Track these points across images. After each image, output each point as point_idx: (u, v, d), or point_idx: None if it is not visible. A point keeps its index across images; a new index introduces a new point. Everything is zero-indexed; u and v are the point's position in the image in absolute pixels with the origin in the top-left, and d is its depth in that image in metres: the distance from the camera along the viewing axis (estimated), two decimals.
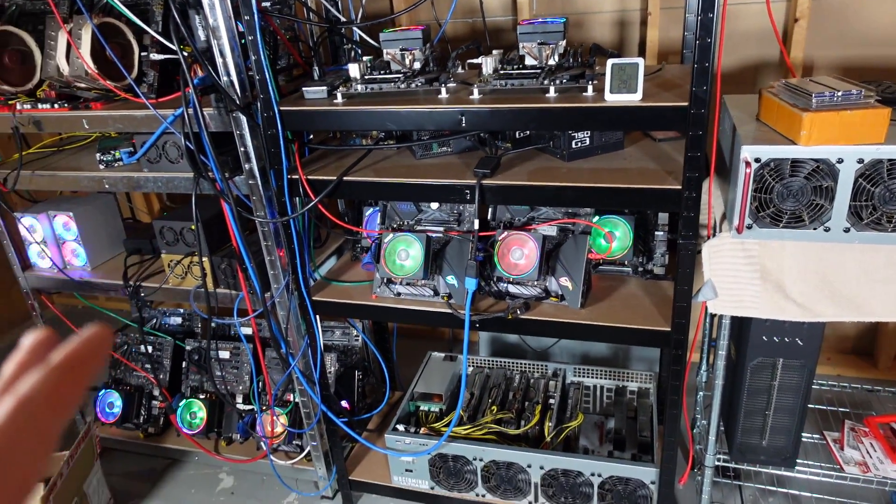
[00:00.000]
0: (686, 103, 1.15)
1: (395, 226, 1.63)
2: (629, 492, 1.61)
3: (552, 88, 1.28)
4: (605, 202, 1.35)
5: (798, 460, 1.53)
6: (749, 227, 1.22)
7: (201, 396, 2.00)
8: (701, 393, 1.86)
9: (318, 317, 1.65)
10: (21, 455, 0.26)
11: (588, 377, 1.98)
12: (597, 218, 1.55)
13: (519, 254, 1.46)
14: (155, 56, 1.55)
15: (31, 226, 1.85)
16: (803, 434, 1.55)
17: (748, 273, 1.27)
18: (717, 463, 1.52)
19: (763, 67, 1.91)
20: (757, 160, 1.16)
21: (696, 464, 1.78)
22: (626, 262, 1.57)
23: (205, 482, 2.02)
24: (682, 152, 1.19)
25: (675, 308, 1.34)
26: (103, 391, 2.07)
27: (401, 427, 1.77)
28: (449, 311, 1.49)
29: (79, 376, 0.29)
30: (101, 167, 1.68)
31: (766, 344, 1.37)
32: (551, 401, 1.86)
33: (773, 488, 1.65)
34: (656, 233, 1.55)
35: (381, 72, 1.44)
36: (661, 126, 1.26)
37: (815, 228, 1.19)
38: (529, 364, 2.03)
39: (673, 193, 1.24)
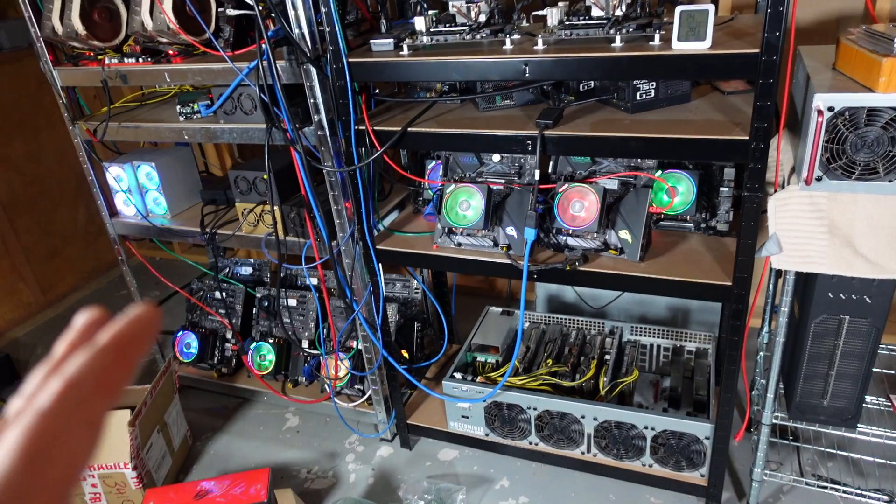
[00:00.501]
0: (757, 50, 1.13)
1: (457, 178, 1.66)
2: (682, 446, 1.62)
3: (618, 38, 1.27)
4: (669, 153, 1.34)
5: (859, 425, 1.51)
6: (818, 179, 1.19)
7: (270, 341, 2.11)
8: (761, 354, 1.84)
9: (380, 266, 1.71)
10: (69, 437, 0.25)
11: (645, 336, 1.98)
12: (659, 172, 1.54)
13: (579, 206, 1.47)
14: (231, 11, 1.61)
15: (118, 175, 1.98)
16: (866, 397, 1.51)
17: (815, 227, 1.25)
18: (774, 422, 1.51)
19: (845, 20, 1.82)
20: (830, 109, 1.13)
21: (753, 424, 1.77)
22: (688, 218, 1.56)
23: (272, 420, 2.15)
24: (752, 105, 1.17)
25: (737, 262, 1.33)
26: (181, 332, 2.22)
27: (458, 375, 1.83)
28: (508, 261, 1.52)
29: (127, 357, 0.27)
30: (181, 119, 1.77)
31: (832, 301, 1.35)
32: (607, 357, 1.88)
33: (833, 451, 1.63)
34: (721, 189, 1.53)
35: (447, 24, 1.46)
36: (730, 75, 1.24)
37: (890, 181, 1.15)
38: (586, 321, 2.04)
39: (740, 144, 1.22)
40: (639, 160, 1.56)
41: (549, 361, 1.86)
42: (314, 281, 2.16)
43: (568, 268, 1.46)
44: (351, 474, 1.90)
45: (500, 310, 2.12)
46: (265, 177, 1.73)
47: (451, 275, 2.21)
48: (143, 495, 1.72)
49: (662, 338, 1.96)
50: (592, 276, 1.47)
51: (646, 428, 1.63)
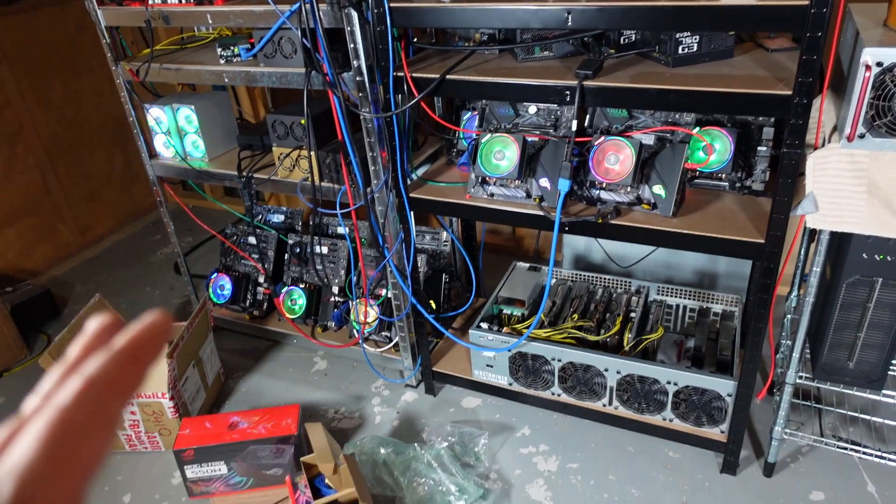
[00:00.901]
0: (806, 2, 1.11)
1: (492, 129, 1.67)
2: (704, 402, 1.65)
3: None
4: (709, 107, 1.33)
5: (884, 389, 1.51)
6: (861, 137, 1.18)
7: (301, 286, 2.17)
8: (788, 317, 1.84)
9: (412, 214, 1.74)
10: (87, 432, 0.26)
11: (672, 296, 1.99)
12: (697, 129, 1.53)
13: (614, 159, 1.47)
14: None
15: (158, 117, 2.02)
16: (894, 361, 1.52)
17: (854, 187, 1.24)
18: (798, 381, 1.52)
19: None
20: (879, 64, 1.11)
21: (776, 385, 1.79)
22: (723, 177, 1.56)
23: (301, 363, 2.22)
24: (796, 62, 1.15)
25: (771, 220, 1.33)
26: (215, 274, 2.29)
27: (484, 325, 1.87)
28: (540, 213, 1.54)
29: (141, 360, 0.29)
30: (222, 62, 1.80)
31: (866, 262, 1.34)
32: (632, 315, 1.90)
33: (855, 414, 1.64)
34: (759, 148, 1.52)
35: None
36: (778, 27, 1.22)
37: None
38: (613, 279, 2.06)
39: (782, 99, 1.21)
40: (676, 116, 1.55)
41: (575, 316, 1.88)
42: (345, 230, 2.20)
43: (599, 221, 1.48)
44: (376, 416, 1.96)
45: (527, 265, 2.14)
46: (303, 122, 1.75)
47: (479, 230, 2.23)
48: (178, 424, 1.80)
49: (689, 299, 1.98)
50: (624, 229, 1.48)
51: (668, 383, 1.66)
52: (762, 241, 1.36)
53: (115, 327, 0.29)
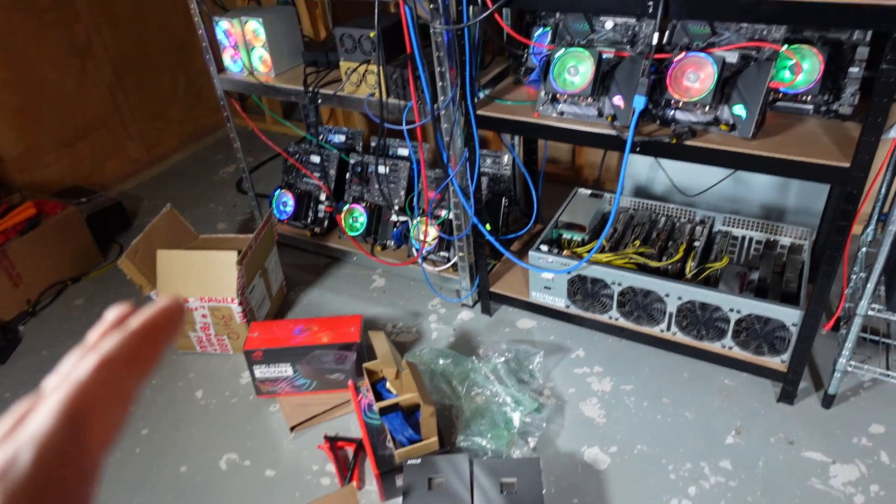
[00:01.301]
0: None
1: (566, 44, 1.62)
2: (766, 332, 1.64)
3: None
4: (805, 20, 1.27)
5: None
6: None
7: (362, 205, 2.20)
8: (863, 250, 1.79)
9: (478, 132, 1.72)
10: (104, 407, 0.26)
11: (738, 227, 1.95)
12: (785, 46, 1.45)
13: (693, 77, 1.42)
14: None
15: (226, 30, 2.03)
16: None
17: None
18: (871, 312, 1.49)
19: None
20: None
21: (843, 319, 1.76)
22: (807, 99, 1.49)
23: (360, 280, 2.28)
24: None
25: (860, 143, 1.27)
26: (278, 191, 2.34)
27: (544, 247, 1.87)
28: (611, 132, 1.51)
29: (156, 341, 0.29)
30: None
31: None
32: (696, 244, 1.87)
33: None
34: (850, 69, 1.44)
35: None
36: None
37: None
38: (676, 208, 2.02)
39: (890, 10, 1.14)
40: (763, 32, 1.48)
41: (637, 243, 1.87)
42: (410, 147, 2.20)
43: (674, 141, 1.44)
44: (433, 332, 2.02)
45: (588, 192, 2.12)
46: (371, 34, 1.74)
47: (541, 156, 2.21)
48: (246, 328, 1.89)
49: (756, 230, 1.93)
50: (698, 151, 1.44)
51: (731, 310, 1.65)
52: (847, 164, 1.31)
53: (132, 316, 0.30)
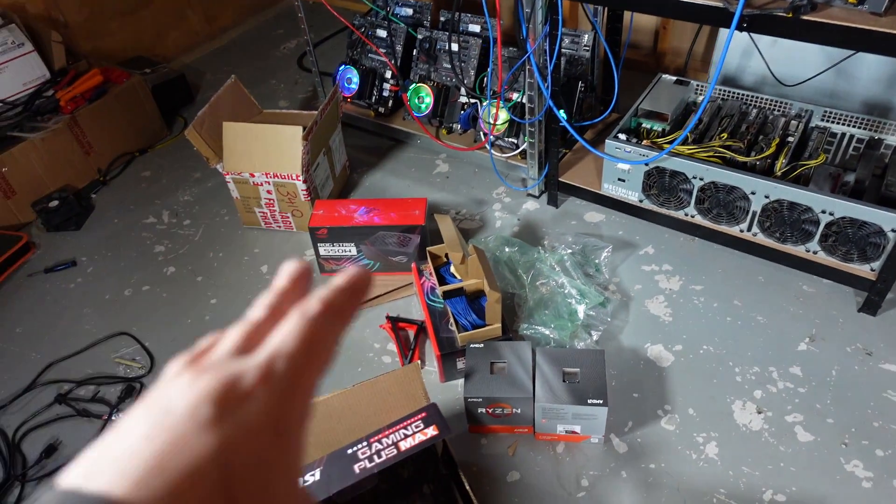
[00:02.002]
0: None
1: None
2: (859, 237, 1.52)
3: None
4: None
5: None
6: None
7: (429, 84, 2.10)
8: None
9: (561, 2, 1.57)
10: (322, 349, 0.26)
11: (838, 123, 1.78)
12: None
13: None
14: None
15: None
16: None
17: None
18: None
19: None
20: None
21: None
22: None
23: (423, 164, 2.22)
24: None
25: None
26: (343, 67, 2.25)
27: (622, 136, 1.76)
28: (718, 3, 1.35)
29: (337, 328, 0.27)
30: None
31: None
32: (789, 139, 1.72)
33: None
34: None
35: None
36: None
37: None
38: (770, 100, 1.85)
39: None
40: None
41: (724, 135, 1.73)
42: (476, 28, 2.06)
43: (790, 15, 1.27)
44: (497, 221, 1.97)
45: (673, 78, 1.96)
46: None
47: (624, 38, 2.03)
48: (310, 206, 1.88)
49: (859, 127, 1.76)
50: (817, 27, 1.27)
51: (823, 212, 1.53)
52: None
53: (308, 277, 0.30)
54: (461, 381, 1.52)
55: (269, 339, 0.26)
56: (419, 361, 1.55)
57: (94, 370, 1.66)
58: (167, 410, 0.22)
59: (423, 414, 1.05)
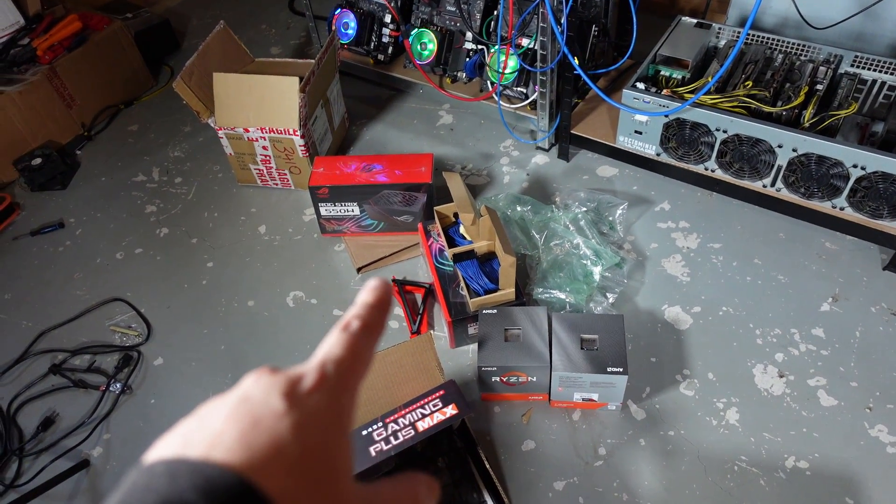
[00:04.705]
0: None
1: None
2: (891, 192, 1.44)
3: None
4: None
5: None
6: None
7: (432, 28, 1.96)
8: None
9: None
10: (359, 362, 0.30)
11: (870, 69, 1.68)
12: None
13: None
14: None
15: None
16: None
17: None
18: None
19: None
20: None
21: None
22: None
23: (426, 116, 2.11)
24: None
25: None
26: (339, 10, 2.10)
27: (641, 85, 1.65)
28: None
29: (372, 339, 0.31)
30: None
31: None
32: (818, 87, 1.62)
33: None
34: None
35: None
36: None
37: None
38: (797, 44, 1.74)
39: None
40: None
41: (749, 84, 1.62)
42: None
43: None
44: (505, 176, 1.88)
45: (693, 21, 1.83)
46: None
47: None
48: (308, 164, 1.79)
49: (892, 73, 1.65)
50: None
51: (854, 167, 1.45)
52: None
53: (388, 297, 0.33)
54: (472, 346, 1.47)
55: (319, 349, 0.30)
56: (431, 332, 1.49)
57: (88, 338, 1.59)
58: (245, 399, 0.27)
59: (442, 392, 0.99)
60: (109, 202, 1.94)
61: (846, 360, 1.40)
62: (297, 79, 1.67)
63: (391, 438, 0.92)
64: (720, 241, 1.65)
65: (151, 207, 1.91)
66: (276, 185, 1.91)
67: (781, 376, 1.38)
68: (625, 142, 1.75)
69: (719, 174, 1.65)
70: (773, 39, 1.76)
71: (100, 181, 2.02)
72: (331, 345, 0.30)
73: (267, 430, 0.25)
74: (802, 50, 1.73)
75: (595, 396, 1.31)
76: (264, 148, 1.79)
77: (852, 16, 1.73)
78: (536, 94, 1.80)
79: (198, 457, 0.24)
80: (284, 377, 0.28)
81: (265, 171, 1.86)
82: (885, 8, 1.74)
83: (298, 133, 1.73)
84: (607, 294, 1.51)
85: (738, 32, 1.80)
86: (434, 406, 0.96)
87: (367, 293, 0.32)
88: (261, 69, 1.92)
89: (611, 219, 1.67)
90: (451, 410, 0.95)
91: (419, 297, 1.58)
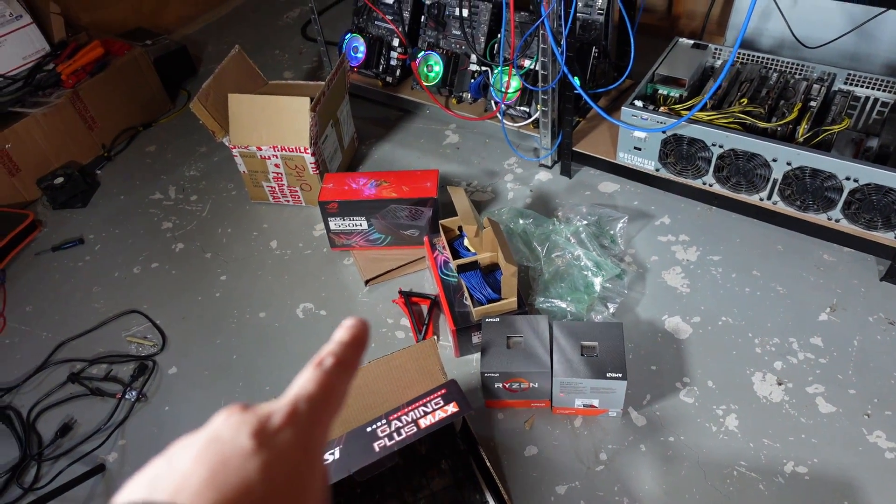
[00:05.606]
0: None
1: None
2: (885, 203, 1.48)
3: None
4: None
5: None
6: None
7: (438, 51, 2.04)
8: None
9: None
10: (333, 398, 0.31)
11: (862, 86, 1.72)
12: None
13: None
14: None
15: None
16: None
17: None
18: None
19: None
20: None
21: None
22: None
23: (432, 135, 2.18)
24: None
25: None
26: (348, 35, 2.19)
27: (639, 103, 1.71)
28: None
29: (345, 377, 0.32)
30: None
31: None
32: (812, 104, 1.67)
33: None
34: None
35: None
36: None
37: None
38: (792, 63, 1.79)
39: None
40: None
41: (744, 101, 1.67)
42: None
43: None
44: (509, 192, 1.93)
45: (690, 42, 1.89)
46: None
47: (639, 1, 1.96)
48: (319, 180, 1.85)
49: (884, 90, 1.70)
50: None
51: (847, 179, 1.49)
52: None
53: (364, 336, 0.34)
54: (476, 355, 1.51)
55: (292, 386, 0.30)
56: (434, 337, 1.54)
57: (105, 349, 1.65)
58: (214, 438, 0.27)
59: (443, 391, 1.03)
60: (127, 219, 2.01)
61: (844, 368, 1.43)
62: (308, 99, 1.75)
63: (394, 435, 0.96)
64: (719, 254, 1.69)
65: (167, 224, 1.98)
66: (288, 201, 1.97)
67: (780, 384, 1.41)
68: (625, 158, 1.80)
69: (717, 188, 1.70)
70: (769, 59, 1.81)
71: (119, 199, 2.09)
72: (303, 381, 0.30)
73: (235, 471, 0.25)
74: (797, 69, 1.79)
75: (596, 402, 1.34)
76: (276, 165, 1.86)
77: (844, 35, 1.79)
78: (539, 113, 1.86)
79: (163, 502, 0.24)
80: (254, 415, 0.28)
81: (277, 188, 1.93)
82: (878, 27, 1.80)
83: (309, 151, 1.80)
84: (608, 304, 1.54)
85: (736, 53, 1.85)
86: (436, 404, 1.00)
87: (343, 331, 0.33)
88: (274, 91, 1.99)
89: (612, 232, 1.71)
90: (452, 408, 0.98)
91: (425, 308, 1.62)
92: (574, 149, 1.88)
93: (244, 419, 0.28)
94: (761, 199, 1.65)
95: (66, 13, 2.33)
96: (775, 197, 1.63)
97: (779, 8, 1.85)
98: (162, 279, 1.82)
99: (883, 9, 1.60)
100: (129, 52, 2.29)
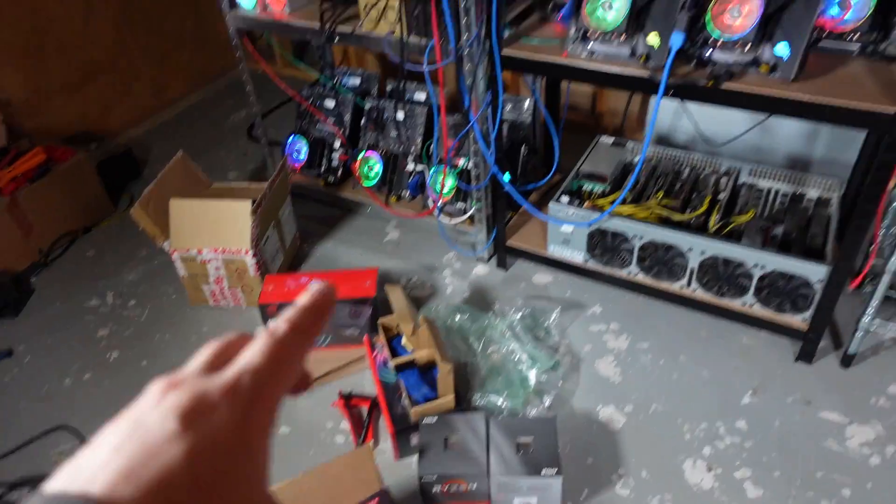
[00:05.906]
0: None
1: None
2: (790, 289, 1.59)
3: None
4: None
5: None
6: None
7: (378, 152, 2.13)
8: (894, 205, 1.71)
9: (501, 74, 1.64)
10: (287, 365, 0.28)
11: (764, 179, 1.87)
12: None
13: (737, 11, 1.32)
14: None
15: None
16: None
17: None
18: None
19: None
20: None
21: (869, 276, 1.70)
22: (854, 38, 1.39)
23: (374, 232, 2.24)
24: None
25: None
26: (292, 137, 2.27)
27: (565, 198, 1.81)
28: (643, 74, 1.42)
29: (302, 346, 0.29)
30: None
31: None
32: (720, 196, 1.80)
33: None
34: None
35: None
36: None
37: None
38: (701, 158, 1.94)
39: None
40: None
41: (660, 194, 1.80)
42: (422, 96, 2.12)
43: (710, 84, 1.35)
44: (448, 287, 1.98)
45: (611, 140, 2.04)
46: None
47: (563, 102, 2.11)
48: (260, 282, 1.87)
49: (783, 182, 1.85)
50: (735, 95, 1.36)
51: (755, 266, 1.60)
52: (893, 110, 1.23)
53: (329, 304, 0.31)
54: (416, 457, 1.50)
55: (239, 357, 0.27)
56: (371, 443, 1.53)
57: (27, 471, 1.57)
58: (138, 423, 0.24)
59: (375, 500, 1.03)
60: (61, 328, 1.97)
61: (768, 450, 1.48)
62: (249, 202, 1.79)
63: None
64: (648, 341, 1.76)
65: (103, 331, 1.95)
66: (228, 303, 1.98)
67: (710, 469, 1.45)
68: (555, 251, 1.89)
69: (641, 277, 1.79)
70: (680, 155, 1.96)
71: (53, 307, 2.06)
72: (252, 352, 0.27)
73: (156, 459, 0.23)
74: (706, 163, 1.93)
75: (534, 500, 1.35)
76: (217, 268, 1.88)
77: (747, 131, 1.96)
78: (473, 209, 1.95)
79: (76, 491, 0.22)
80: (187, 392, 0.25)
81: (217, 290, 1.94)
82: (777, 124, 1.98)
83: (250, 253, 1.83)
84: (544, 397, 1.58)
85: (652, 149, 2.00)
86: None
87: (305, 296, 0.30)
88: (217, 193, 2.04)
89: (546, 324, 1.77)
90: None
91: (365, 409, 1.62)
92: (508, 243, 1.97)
93: (174, 397, 0.25)
94: (682, 287, 1.74)
95: (8, 119, 2.35)
96: (694, 284, 1.72)
97: (686, 111, 2.02)
98: (94, 391, 1.77)
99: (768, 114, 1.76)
100: (73, 158, 2.31)
